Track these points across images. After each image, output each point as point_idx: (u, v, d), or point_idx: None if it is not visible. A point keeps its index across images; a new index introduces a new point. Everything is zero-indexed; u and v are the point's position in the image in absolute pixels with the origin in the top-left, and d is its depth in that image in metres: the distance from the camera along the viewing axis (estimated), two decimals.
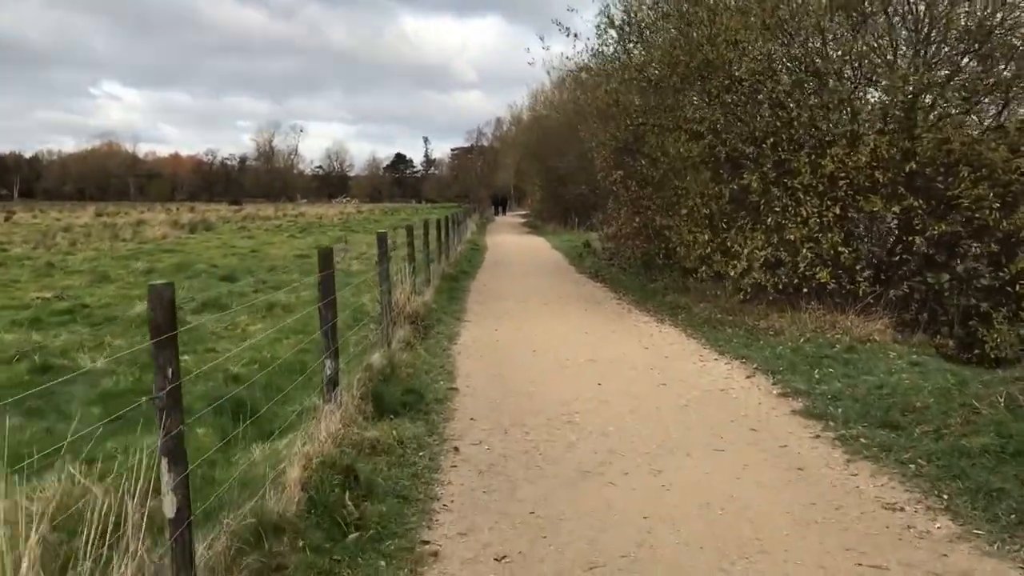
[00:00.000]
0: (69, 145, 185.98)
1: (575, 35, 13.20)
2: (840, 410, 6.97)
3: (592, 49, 14.11)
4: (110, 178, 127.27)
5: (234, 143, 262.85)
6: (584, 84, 19.37)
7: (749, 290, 11.44)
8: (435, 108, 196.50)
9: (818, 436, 6.39)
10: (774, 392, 7.79)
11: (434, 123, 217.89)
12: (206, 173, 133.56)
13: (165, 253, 26.82)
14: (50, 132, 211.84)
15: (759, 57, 11.33)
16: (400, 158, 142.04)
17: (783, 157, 11.32)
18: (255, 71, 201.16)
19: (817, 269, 10.75)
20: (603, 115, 16.74)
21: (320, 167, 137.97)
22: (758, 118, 11.68)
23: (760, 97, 11.67)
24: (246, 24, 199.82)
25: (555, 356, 9.50)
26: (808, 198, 11.03)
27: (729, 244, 11.97)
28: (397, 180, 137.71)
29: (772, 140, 11.39)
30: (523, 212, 71.63)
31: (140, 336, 11.05)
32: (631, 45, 13.65)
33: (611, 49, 14.14)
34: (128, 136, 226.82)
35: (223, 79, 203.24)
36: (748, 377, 8.41)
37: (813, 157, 11.11)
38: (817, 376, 8.17)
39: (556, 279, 18.75)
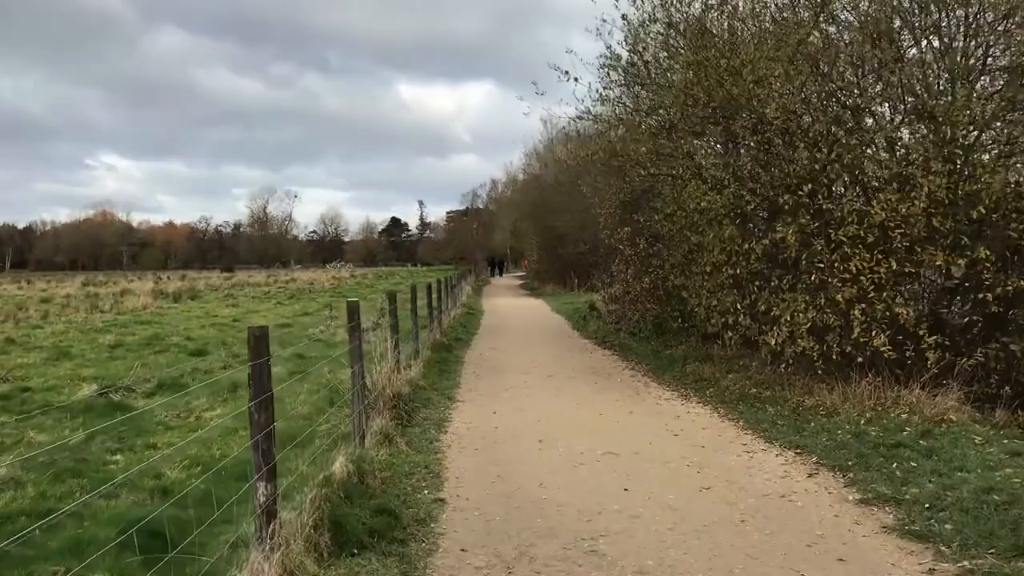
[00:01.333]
0: (64, 215, 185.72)
1: (575, 79, 11.88)
2: (948, 527, 5.27)
3: (594, 95, 12.67)
4: (103, 247, 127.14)
5: (230, 211, 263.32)
6: (584, 136, 18.04)
7: (791, 360, 9.78)
8: (430, 172, 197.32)
9: (932, 572, 4.68)
10: (850, 498, 6.08)
11: (429, 187, 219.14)
12: (200, 241, 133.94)
13: (141, 325, 25.18)
14: (47, 203, 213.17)
15: (791, 92, 9.87)
16: (395, 222, 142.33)
17: (823, 206, 9.77)
18: (252, 140, 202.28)
19: (873, 334, 9.12)
20: (607, 168, 15.28)
21: (315, 232, 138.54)
22: (793, 163, 10.17)
23: (794, 138, 10.17)
24: (244, 94, 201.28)
25: (567, 448, 7.80)
26: (856, 251, 9.45)
27: (763, 307, 10.36)
28: (392, 244, 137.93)
29: (810, 187, 9.86)
30: (520, 273, 70.38)
31: (73, 429, 9.38)
32: (638, 88, 12.21)
33: (615, 93, 12.68)
34: (125, 206, 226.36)
35: (220, 148, 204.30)
36: (811, 476, 6.70)
37: (859, 204, 9.57)
38: (899, 473, 6.48)
39: (559, 347, 17.09)
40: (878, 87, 10.30)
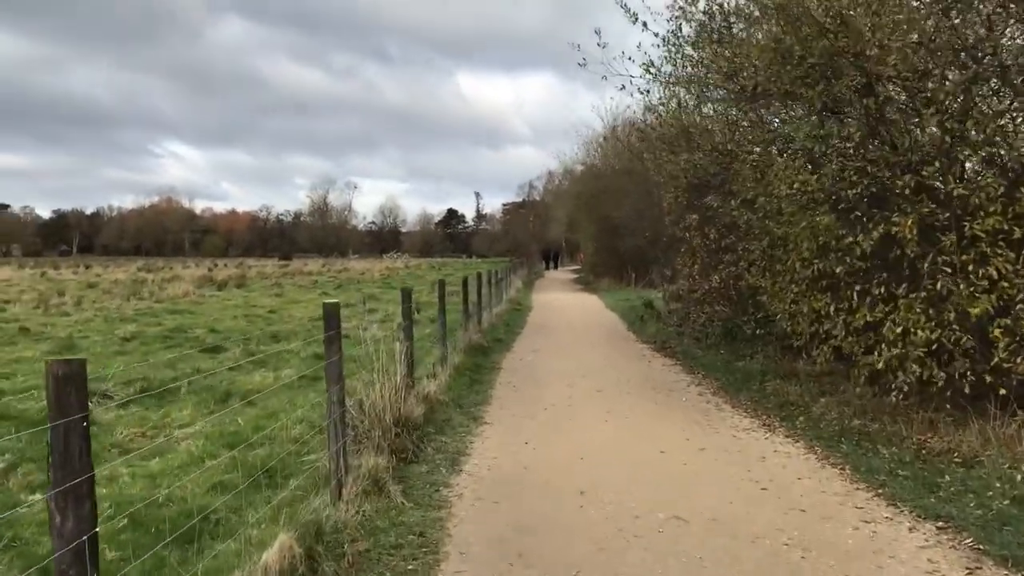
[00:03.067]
0: (129, 202, 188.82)
1: (643, 24, 9.85)
2: None
3: (661, 54, 10.55)
4: (166, 234, 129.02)
5: (291, 200, 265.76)
6: (650, 108, 15.91)
7: (906, 388, 7.62)
8: (487, 164, 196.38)
9: None
10: None
11: (486, 179, 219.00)
12: (260, 229, 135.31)
13: (172, 315, 23.88)
14: (114, 190, 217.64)
15: (916, 43, 7.69)
16: (452, 213, 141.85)
17: (954, 191, 7.57)
18: (313, 130, 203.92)
19: (1021, 359, 6.94)
20: (673, 143, 13.16)
21: (373, 223, 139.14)
22: (915, 133, 8.01)
23: (916, 102, 7.99)
24: (306, 84, 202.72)
25: (617, 506, 5.79)
26: (999, 250, 7.26)
27: (864, 318, 8.23)
28: (448, 235, 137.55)
29: (937, 164, 7.68)
30: (575, 267, 68.30)
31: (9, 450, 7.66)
32: (715, 47, 10.05)
33: (688, 51, 10.51)
34: (188, 193, 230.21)
35: (282, 138, 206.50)
36: (971, 572, 4.61)
37: (1002, 190, 7.37)
38: None
39: (612, 351, 15.02)
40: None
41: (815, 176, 8.67)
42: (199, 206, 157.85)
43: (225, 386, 10.96)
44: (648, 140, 15.76)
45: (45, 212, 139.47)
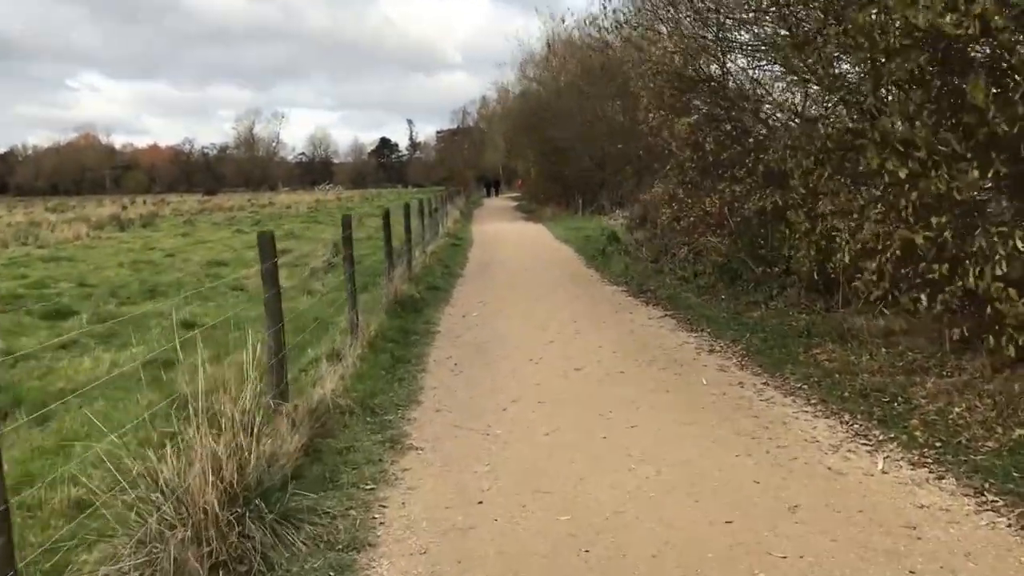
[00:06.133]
0: (45, 139, 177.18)
1: None
2: None
3: None
4: (85, 171, 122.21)
5: (217, 132, 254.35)
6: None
7: None
8: (420, 91, 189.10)
9: None
10: None
11: (420, 106, 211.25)
12: (184, 164, 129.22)
13: (48, 263, 20.05)
14: (29, 126, 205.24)
15: None
16: (385, 143, 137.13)
17: None
18: (238, 60, 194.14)
19: None
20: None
21: (303, 154, 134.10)
22: None
23: None
24: (229, 11, 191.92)
25: None
26: None
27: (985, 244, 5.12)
28: (382, 165, 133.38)
29: None
30: (514, 194, 64.92)
31: None
32: None
33: None
34: (108, 128, 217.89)
35: (206, 69, 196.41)
36: None
37: None
38: None
39: (578, 299, 11.72)
40: None
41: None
42: (119, 142, 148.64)
43: (27, 382, 7.44)
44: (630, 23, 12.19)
45: None
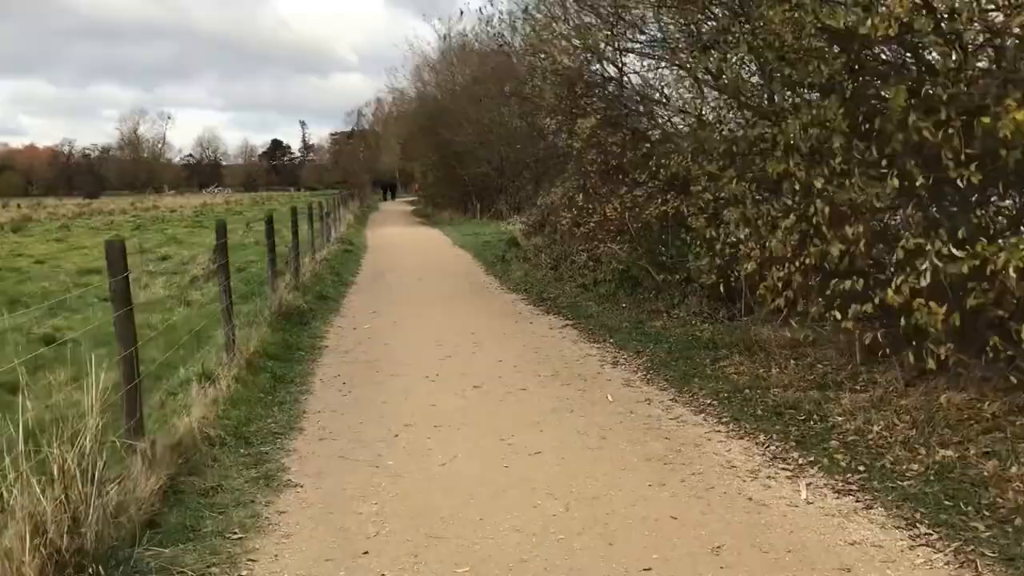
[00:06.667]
0: None
1: None
2: None
3: None
4: None
5: (100, 133, 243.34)
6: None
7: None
8: (314, 92, 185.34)
9: None
10: None
11: (313, 108, 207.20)
12: (63, 165, 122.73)
13: None
14: None
15: None
16: (276, 144, 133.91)
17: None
18: (123, 58, 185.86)
19: None
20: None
21: (191, 156, 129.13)
22: None
23: None
24: (113, 6, 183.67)
25: None
26: None
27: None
28: (274, 168, 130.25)
29: None
30: (412, 198, 64.09)
31: None
32: None
33: None
34: None
35: (89, 66, 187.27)
36: None
37: None
38: None
39: (478, 308, 11.23)
40: None
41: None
42: None
43: None
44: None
45: None
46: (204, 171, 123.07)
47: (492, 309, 11.11)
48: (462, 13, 43.82)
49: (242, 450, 5.22)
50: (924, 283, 4.78)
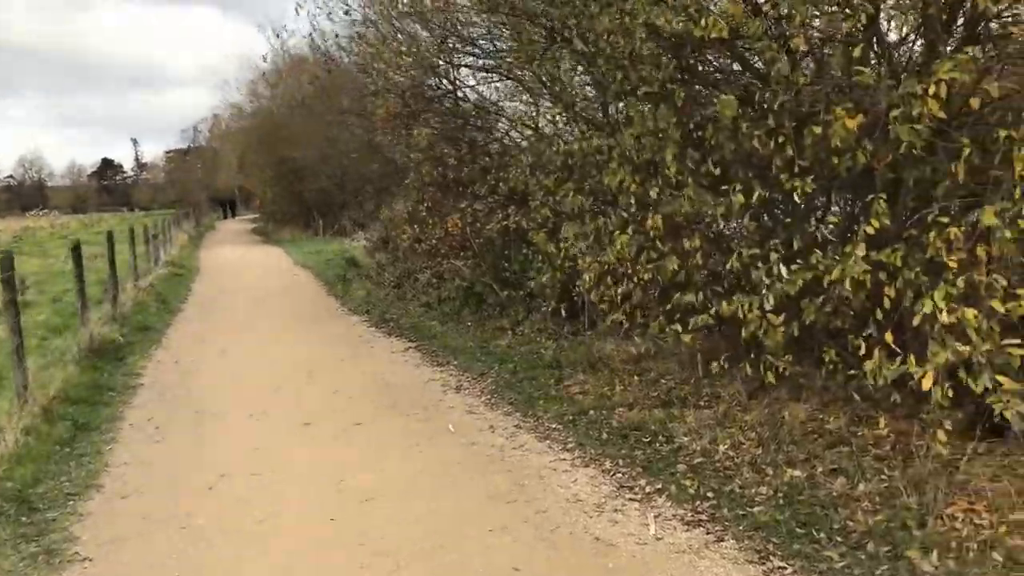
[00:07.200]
0: None
1: None
2: None
3: None
4: None
5: None
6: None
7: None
8: (147, 108, 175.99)
9: None
10: None
11: (147, 125, 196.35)
12: None
13: None
14: None
15: None
16: (107, 163, 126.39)
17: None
18: None
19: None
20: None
21: (11, 177, 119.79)
22: None
23: None
24: None
25: None
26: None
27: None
28: (105, 188, 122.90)
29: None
30: (254, 216, 61.87)
31: None
32: None
33: None
34: None
35: None
36: None
37: None
38: None
39: (315, 333, 10.63)
40: None
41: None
42: None
43: None
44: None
45: None
46: (27, 193, 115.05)
47: (330, 333, 10.52)
48: (291, 32, 42.19)
49: (24, 518, 4.50)
50: (768, 305, 4.63)
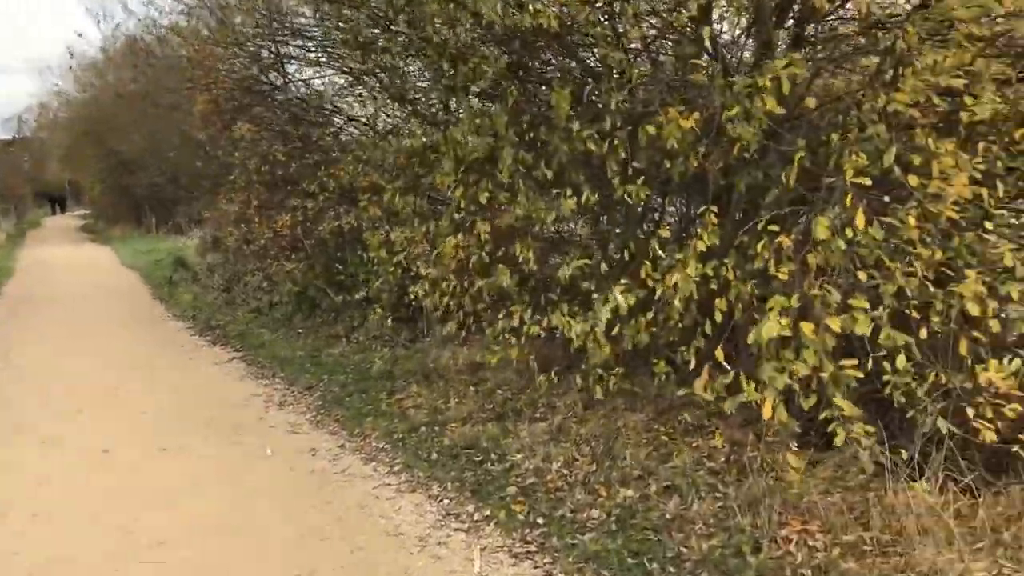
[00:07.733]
0: None
1: None
2: None
3: None
4: None
5: None
6: None
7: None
8: None
9: None
10: None
11: None
12: None
13: None
14: None
15: None
16: None
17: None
18: None
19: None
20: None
21: None
22: None
23: None
24: None
25: None
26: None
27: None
28: None
29: None
30: (85, 212, 58.14)
31: None
32: None
33: None
34: None
35: None
36: None
37: None
38: None
39: (133, 343, 9.77)
40: None
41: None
42: None
43: None
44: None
45: None
46: None
47: (150, 342, 9.70)
48: (119, 20, 39.48)
49: None
50: (600, 327, 4.38)
